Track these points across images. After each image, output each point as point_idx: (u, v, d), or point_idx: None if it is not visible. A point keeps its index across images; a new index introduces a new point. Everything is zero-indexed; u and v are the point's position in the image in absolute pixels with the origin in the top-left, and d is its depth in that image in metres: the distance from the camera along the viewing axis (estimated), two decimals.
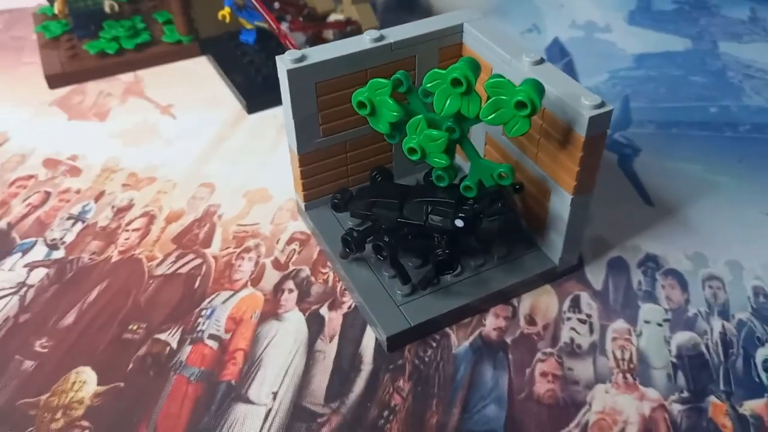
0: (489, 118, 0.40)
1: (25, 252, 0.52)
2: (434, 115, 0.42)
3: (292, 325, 0.47)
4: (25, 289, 0.50)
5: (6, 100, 0.69)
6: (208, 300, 0.49)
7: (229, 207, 0.56)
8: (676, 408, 0.43)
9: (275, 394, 0.43)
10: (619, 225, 0.55)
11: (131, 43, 0.72)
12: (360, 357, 0.45)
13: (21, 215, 0.55)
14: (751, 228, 0.54)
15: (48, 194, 0.57)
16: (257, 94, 0.67)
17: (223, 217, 0.55)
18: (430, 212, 0.45)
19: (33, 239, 0.53)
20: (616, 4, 0.84)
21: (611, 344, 0.46)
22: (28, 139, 0.64)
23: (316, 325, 0.47)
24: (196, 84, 0.71)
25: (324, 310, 0.48)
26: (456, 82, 0.39)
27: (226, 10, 0.69)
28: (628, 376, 0.44)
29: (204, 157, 0.62)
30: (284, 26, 0.64)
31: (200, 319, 0.48)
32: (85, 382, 0.44)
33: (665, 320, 0.48)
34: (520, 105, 0.39)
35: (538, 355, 0.45)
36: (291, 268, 0.51)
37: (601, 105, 0.41)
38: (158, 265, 0.52)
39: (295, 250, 0.53)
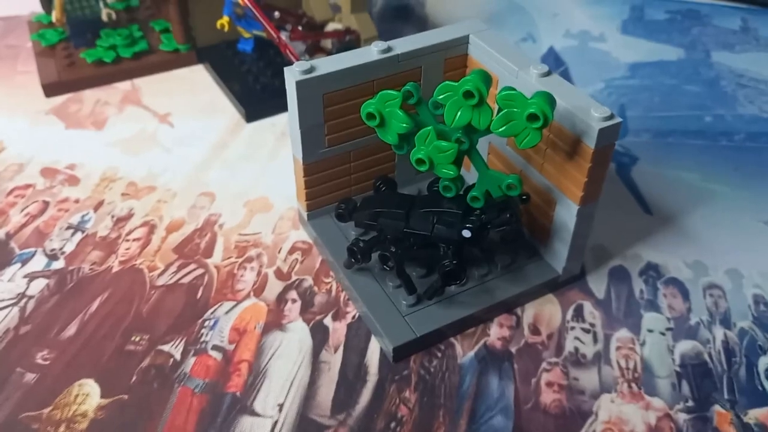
0: (500, 130, 0.40)
1: (24, 262, 0.52)
2: (443, 127, 0.42)
3: (296, 335, 0.47)
4: (25, 300, 0.49)
5: (2, 108, 0.68)
6: (210, 311, 0.49)
7: (230, 216, 0.56)
8: (682, 417, 0.43)
9: (281, 406, 0.43)
10: (619, 234, 0.55)
11: (129, 51, 0.71)
12: (365, 367, 0.45)
13: (19, 225, 0.55)
14: (749, 236, 0.55)
15: (46, 204, 0.57)
16: (256, 102, 0.67)
17: (224, 227, 0.55)
18: (436, 222, 0.45)
19: (32, 249, 0.53)
20: (609, 13, 0.85)
21: (615, 353, 0.46)
22: (26, 147, 0.63)
23: (320, 335, 0.47)
24: (194, 92, 0.70)
25: (328, 321, 0.48)
26: (468, 95, 0.39)
27: (224, 19, 0.69)
28: (633, 385, 0.45)
29: (203, 165, 0.61)
30: (284, 35, 0.64)
31: (203, 330, 0.47)
32: (89, 395, 0.43)
33: (668, 329, 0.48)
34: (533, 117, 0.39)
35: (543, 365, 0.46)
36: (294, 277, 0.51)
37: (611, 117, 0.41)
38: (160, 275, 0.51)
39: (297, 259, 0.53)
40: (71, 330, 0.47)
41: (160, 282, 0.51)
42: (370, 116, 0.42)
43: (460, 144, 0.42)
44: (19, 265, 0.52)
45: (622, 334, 0.48)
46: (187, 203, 0.57)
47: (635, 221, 0.56)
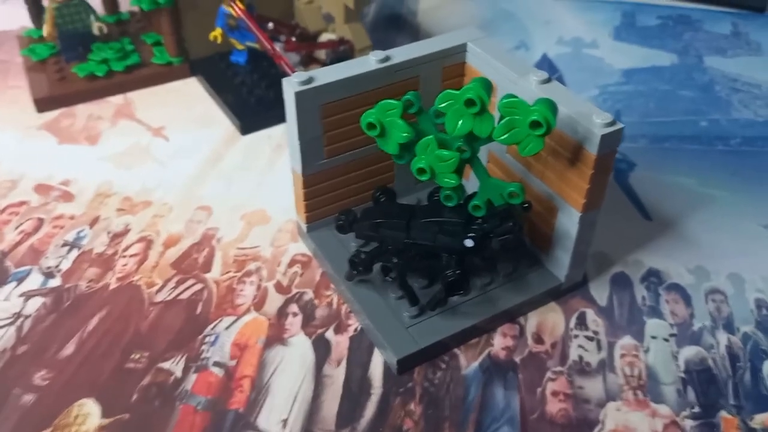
0: (503, 138, 0.40)
1: (20, 281, 0.51)
2: (444, 136, 0.42)
3: (298, 349, 0.47)
4: (21, 319, 0.48)
5: None
6: (211, 326, 0.48)
7: (228, 230, 0.56)
8: (689, 424, 0.43)
9: (285, 422, 0.42)
10: (620, 240, 0.55)
11: (121, 65, 0.71)
12: (369, 381, 0.45)
13: (14, 243, 0.54)
14: (750, 240, 0.55)
15: (41, 221, 0.56)
16: (250, 114, 0.66)
17: (222, 241, 0.55)
18: (438, 232, 0.45)
19: (28, 267, 0.52)
20: (601, 20, 0.86)
21: (620, 361, 0.46)
22: (18, 164, 0.62)
23: (322, 349, 0.47)
24: (188, 105, 0.70)
25: (330, 334, 0.48)
26: (470, 103, 0.39)
27: (217, 31, 0.68)
28: (639, 392, 0.44)
29: (199, 178, 0.61)
30: (278, 47, 0.64)
31: (204, 346, 0.47)
32: (89, 415, 0.43)
33: (671, 335, 0.48)
34: (536, 125, 0.39)
35: (548, 374, 0.45)
36: (294, 291, 0.51)
37: (613, 123, 0.41)
38: (158, 291, 0.50)
39: (297, 272, 0.52)
40: (69, 349, 0.46)
41: (159, 298, 0.50)
42: (371, 126, 0.42)
43: (462, 153, 0.42)
44: (14, 283, 0.51)
45: (626, 341, 0.47)
46: (183, 217, 0.57)
47: (635, 227, 0.56)
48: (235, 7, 0.64)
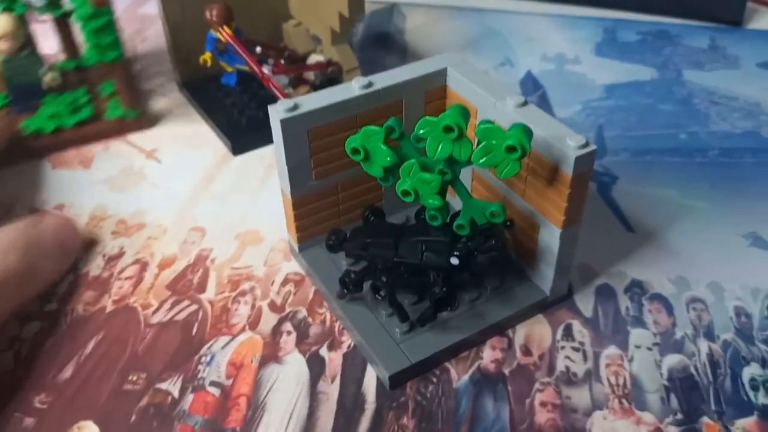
0: (481, 161, 0.42)
1: None
2: (426, 159, 0.44)
3: (293, 367, 0.48)
4: (18, 343, 0.49)
5: None
6: (206, 346, 0.49)
7: (222, 250, 0.57)
8: (672, 430, 0.44)
9: None
10: (604, 252, 0.56)
11: (72, 119, 0.68)
12: (363, 396, 0.46)
13: None
14: (729, 250, 0.57)
15: None
16: (242, 135, 0.68)
17: (216, 261, 0.56)
18: (425, 250, 0.46)
19: None
20: (584, 36, 0.88)
21: (605, 370, 0.48)
22: (11, 188, 0.63)
23: (316, 366, 0.48)
24: (179, 127, 0.71)
25: (324, 351, 0.49)
26: (448, 129, 0.41)
27: (207, 55, 0.70)
28: (624, 401, 0.46)
29: (192, 200, 0.62)
30: (267, 69, 0.65)
31: (200, 366, 0.48)
32: None
33: (654, 344, 0.49)
34: (511, 149, 0.40)
35: (537, 385, 0.47)
36: (288, 309, 0.52)
37: (586, 145, 0.43)
38: (154, 312, 0.52)
39: (290, 291, 0.53)
40: (68, 372, 0.47)
41: (155, 320, 0.51)
42: (355, 151, 0.44)
43: (444, 175, 0.43)
44: None
45: (611, 351, 0.49)
46: (178, 239, 0.58)
47: (618, 239, 0.58)
48: (223, 33, 0.65)
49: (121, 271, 0.55)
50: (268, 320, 0.51)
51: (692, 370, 0.48)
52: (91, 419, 0.44)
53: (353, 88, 0.48)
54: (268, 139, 0.67)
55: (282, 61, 0.69)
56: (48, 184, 0.64)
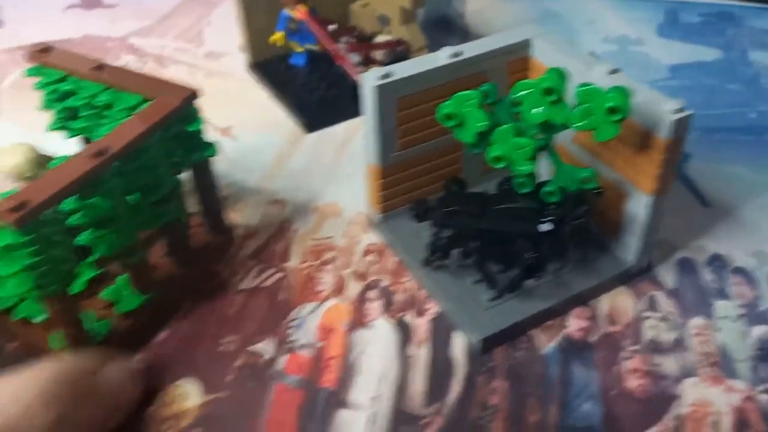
0: (580, 124, 0.42)
1: None
2: (519, 124, 0.44)
3: (381, 332, 0.49)
4: None
5: None
6: (295, 311, 0.50)
7: (302, 222, 0.58)
8: (765, 398, 0.44)
9: (375, 399, 0.44)
10: (681, 227, 0.56)
11: None
12: (452, 360, 0.47)
13: None
14: None
15: None
16: (314, 113, 0.69)
17: (297, 232, 0.57)
18: (514, 218, 0.47)
19: None
20: (645, 18, 0.87)
21: (693, 339, 0.48)
22: None
23: (404, 332, 0.49)
24: (251, 106, 0.73)
25: (409, 318, 0.50)
26: (548, 91, 0.41)
27: (278, 35, 0.71)
28: (714, 369, 0.46)
29: (269, 175, 0.63)
30: (341, 47, 0.66)
31: (290, 330, 0.49)
32: (189, 393, 0.45)
33: (740, 315, 0.49)
34: (612, 111, 0.41)
35: (624, 353, 0.47)
36: (371, 278, 0.53)
37: (682, 110, 0.43)
38: (241, 280, 0.53)
39: (372, 261, 0.54)
40: (162, 335, 0.49)
41: (242, 287, 0.52)
42: (448, 117, 0.44)
43: (538, 140, 0.44)
44: None
45: (697, 321, 0.49)
46: (258, 212, 0.59)
47: (695, 215, 0.58)
48: (299, 10, 0.66)
49: None
50: (353, 288, 0.52)
51: None
52: (190, 377, 0.46)
53: (442, 57, 0.49)
54: (339, 118, 0.69)
55: (354, 40, 0.70)
56: None
